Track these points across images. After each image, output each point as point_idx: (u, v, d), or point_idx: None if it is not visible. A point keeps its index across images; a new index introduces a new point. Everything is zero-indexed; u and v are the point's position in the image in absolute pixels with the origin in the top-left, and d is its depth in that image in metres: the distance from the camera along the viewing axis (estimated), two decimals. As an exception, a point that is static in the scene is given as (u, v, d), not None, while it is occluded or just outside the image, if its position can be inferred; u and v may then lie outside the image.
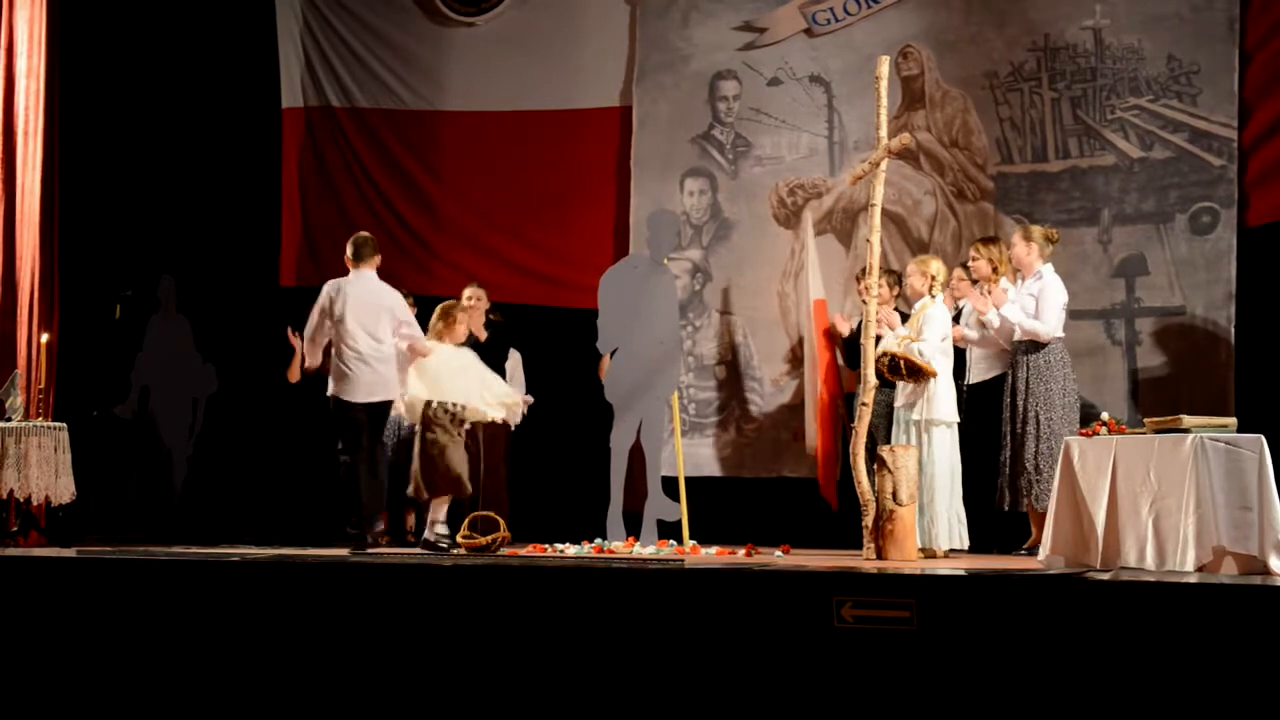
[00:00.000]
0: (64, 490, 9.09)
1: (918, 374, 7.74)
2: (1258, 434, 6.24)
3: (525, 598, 6.55)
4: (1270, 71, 8.93)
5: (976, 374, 8.49)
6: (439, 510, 8.33)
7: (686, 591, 6.30)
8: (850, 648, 5.81)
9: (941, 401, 7.79)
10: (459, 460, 8.30)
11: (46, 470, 9.01)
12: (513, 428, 9.33)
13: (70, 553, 8.06)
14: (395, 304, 8.52)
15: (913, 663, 5.73)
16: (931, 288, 7.99)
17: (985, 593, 5.84)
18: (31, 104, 10.16)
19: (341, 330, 8.36)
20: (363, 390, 8.34)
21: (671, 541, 8.72)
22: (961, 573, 6.21)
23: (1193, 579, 5.91)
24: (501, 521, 8.47)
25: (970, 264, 8.55)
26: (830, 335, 9.52)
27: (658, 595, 6.31)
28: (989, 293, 8.26)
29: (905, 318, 8.42)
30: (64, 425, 9.18)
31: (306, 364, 8.82)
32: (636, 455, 9.06)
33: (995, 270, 8.35)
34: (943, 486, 7.73)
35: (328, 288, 8.51)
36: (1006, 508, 7.93)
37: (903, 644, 5.76)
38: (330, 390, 8.50)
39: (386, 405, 8.44)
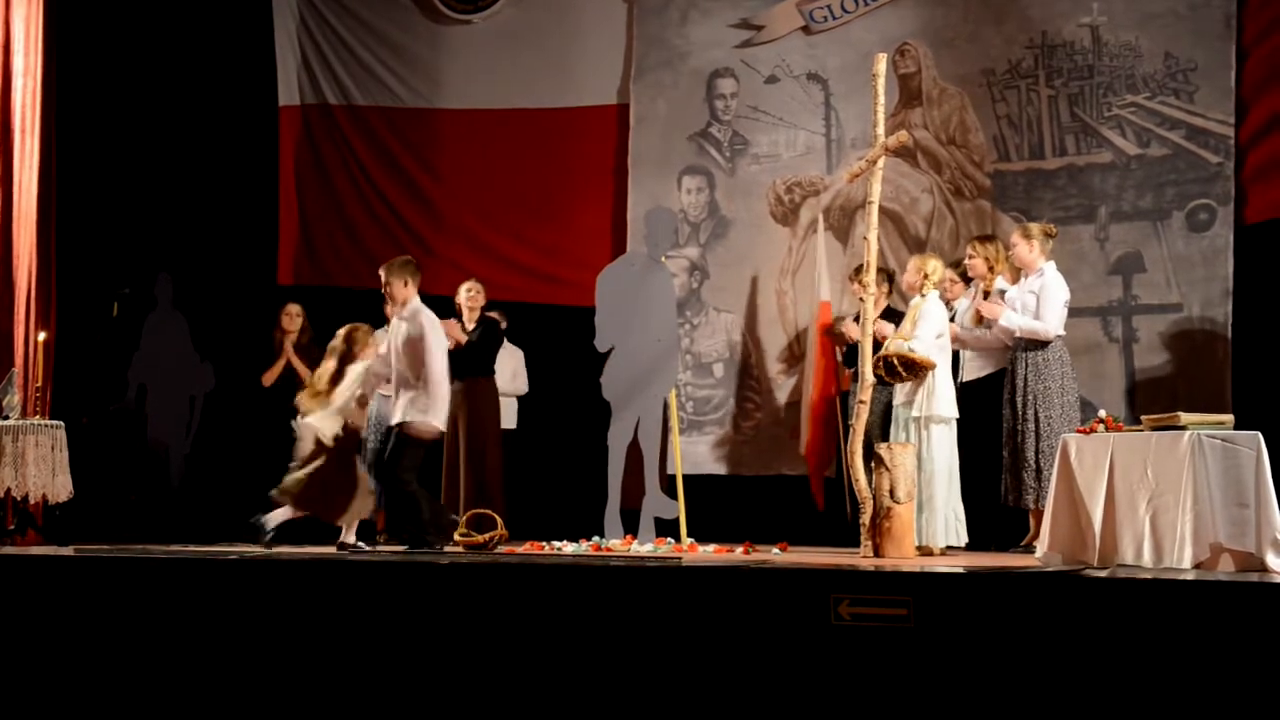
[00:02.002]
0: (61, 489, 9.09)
1: (916, 370, 7.73)
2: (1255, 431, 6.23)
3: (523, 596, 6.55)
4: (1267, 68, 8.92)
5: (970, 372, 8.49)
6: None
7: (684, 589, 6.30)
8: (847, 646, 5.82)
9: (940, 398, 7.78)
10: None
11: (44, 469, 9.01)
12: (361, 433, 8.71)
13: (68, 551, 8.07)
14: None
15: (910, 661, 5.74)
16: (923, 285, 7.99)
17: (983, 591, 5.83)
18: (28, 102, 10.15)
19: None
20: None
21: (669, 539, 8.71)
22: (959, 570, 6.21)
23: (1190, 576, 5.91)
24: (499, 519, 8.46)
25: (967, 262, 8.55)
26: (829, 335, 9.53)
27: (655, 593, 6.31)
28: (986, 292, 8.27)
29: (899, 315, 8.44)
30: (61, 424, 9.18)
31: None
32: (634, 453, 9.05)
33: (991, 269, 8.36)
34: (941, 483, 7.73)
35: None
36: (1009, 504, 7.93)
37: (900, 642, 5.77)
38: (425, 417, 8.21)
39: None
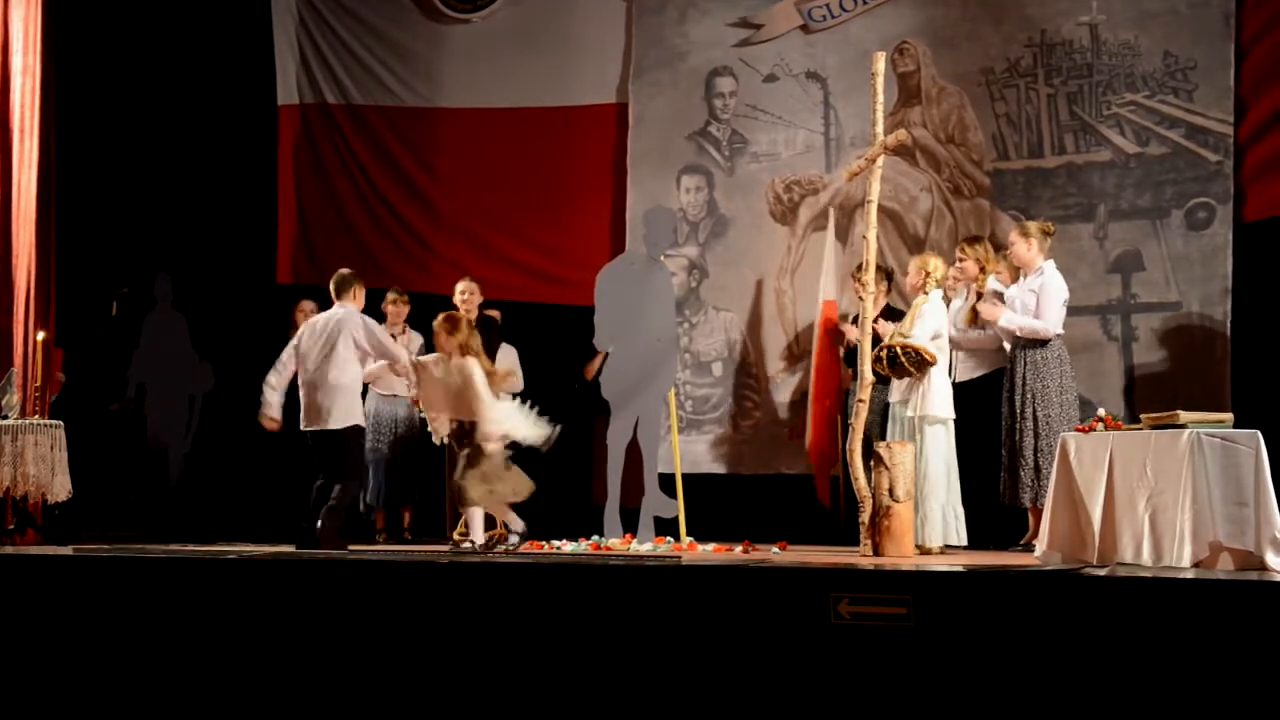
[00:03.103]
0: (60, 488, 9.12)
1: (921, 363, 7.75)
2: (1254, 429, 6.25)
3: (523, 596, 6.57)
4: (1266, 67, 8.91)
5: (964, 372, 8.51)
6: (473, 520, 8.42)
7: (683, 589, 6.32)
8: (847, 645, 5.83)
9: (936, 398, 7.83)
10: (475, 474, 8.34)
11: (43, 468, 9.04)
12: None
13: (66, 551, 8.08)
14: (351, 330, 8.45)
15: (909, 659, 5.75)
16: (925, 284, 8.01)
17: (983, 590, 5.85)
18: (28, 101, 10.18)
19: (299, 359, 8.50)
20: (306, 418, 8.43)
21: (669, 538, 8.73)
22: (958, 569, 6.23)
23: (1189, 574, 5.92)
24: (498, 519, 8.49)
25: (958, 264, 8.57)
26: (831, 334, 9.53)
27: (655, 593, 6.33)
28: (979, 294, 8.30)
29: (899, 314, 8.47)
30: (60, 423, 9.20)
31: None
32: (633, 452, 9.08)
33: (983, 270, 8.38)
34: (938, 483, 7.77)
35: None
36: (1008, 502, 7.95)
37: (900, 642, 5.78)
38: None
39: (334, 435, 8.40)
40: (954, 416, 7.90)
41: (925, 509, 7.76)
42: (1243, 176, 9.01)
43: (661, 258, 9.32)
